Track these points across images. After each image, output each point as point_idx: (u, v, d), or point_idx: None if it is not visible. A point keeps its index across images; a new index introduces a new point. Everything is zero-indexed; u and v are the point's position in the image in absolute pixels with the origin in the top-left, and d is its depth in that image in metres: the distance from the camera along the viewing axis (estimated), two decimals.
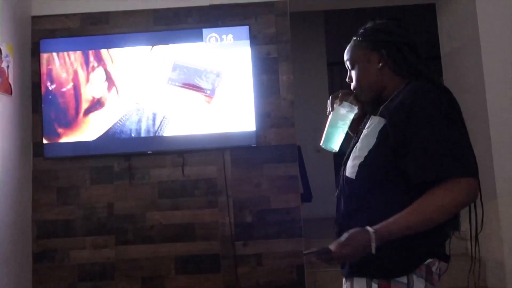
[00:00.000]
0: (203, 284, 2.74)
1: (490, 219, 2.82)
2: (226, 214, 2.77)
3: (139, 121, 2.73)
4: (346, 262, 1.10)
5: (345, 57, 1.25)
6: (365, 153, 1.11)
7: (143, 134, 2.74)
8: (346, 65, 1.26)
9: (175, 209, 2.79)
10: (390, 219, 1.01)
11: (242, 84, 2.74)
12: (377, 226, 1.01)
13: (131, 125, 2.74)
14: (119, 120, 2.74)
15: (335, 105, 1.25)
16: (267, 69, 2.87)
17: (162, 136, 2.74)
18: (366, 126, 1.17)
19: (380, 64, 1.17)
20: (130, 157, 2.81)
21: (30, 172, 2.82)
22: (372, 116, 1.18)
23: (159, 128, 2.73)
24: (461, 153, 1.02)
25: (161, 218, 2.79)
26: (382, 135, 1.09)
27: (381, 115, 1.11)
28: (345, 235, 1.02)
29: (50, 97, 2.76)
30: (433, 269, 1.09)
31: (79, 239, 2.78)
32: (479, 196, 1.11)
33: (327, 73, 4.92)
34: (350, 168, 1.16)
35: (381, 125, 1.09)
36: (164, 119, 2.73)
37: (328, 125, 1.24)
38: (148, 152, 2.76)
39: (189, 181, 2.81)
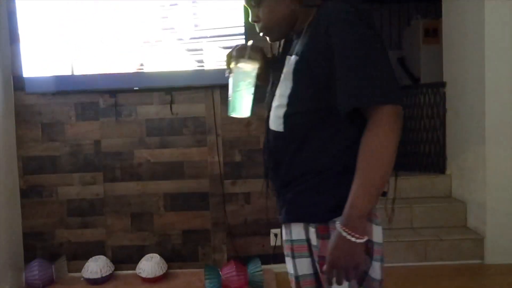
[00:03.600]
0: (192, 221, 2.79)
1: (477, 164, 2.86)
2: (215, 153, 2.75)
3: (124, 54, 2.61)
4: (351, 271, 0.93)
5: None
6: (286, 100, 1.00)
7: (129, 69, 2.62)
8: (248, 3, 1.08)
9: (163, 147, 2.76)
10: (349, 200, 0.91)
11: (233, 18, 2.59)
12: (343, 218, 0.91)
13: (116, 59, 2.61)
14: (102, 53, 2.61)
15: (231, 66, 1.09)
16: None
17: (149, 72, 2.63)
18: (282, 74, 1.04)
19: None
20: (116, 93, 2.73)
21: (12, 107, 2.72)
22: (287, 56, 1.05)
23: (146, 63, 2.62)
24: (382, 79, 0.89)
25: (149, 156, 2.76)
26: (297, 74, 0.97)
27: (296, 54, 0.98)
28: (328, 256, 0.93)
29: (28, 26, 2.59)
30: None
31: (67, 176, 2.77)
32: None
33: None
34: (275, 120, 1.04)
35: (293, 65, 0.98)
36: (150, 52, 2.60)
37: (231, 90, 1.07)
38: (135, 88, 2.67)
39: (178, 119, 2.75)
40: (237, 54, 1.10)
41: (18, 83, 2.68)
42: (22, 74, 2.63)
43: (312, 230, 1.02)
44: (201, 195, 2.78)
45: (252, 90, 1.09)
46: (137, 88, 2.67)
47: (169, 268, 2.72)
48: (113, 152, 2.77)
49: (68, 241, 2.79)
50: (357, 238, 0.90)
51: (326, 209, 1.00)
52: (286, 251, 1.14)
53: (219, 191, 2.76)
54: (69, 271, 2.76)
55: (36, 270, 2.57)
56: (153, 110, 2.75)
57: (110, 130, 2.76)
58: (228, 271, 2.50)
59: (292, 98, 1.00)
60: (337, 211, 0.95)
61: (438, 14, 3.66)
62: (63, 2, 2.59)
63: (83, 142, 2.76)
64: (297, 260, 1.09)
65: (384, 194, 1.03)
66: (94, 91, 2.70)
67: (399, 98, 0.89)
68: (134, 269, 2.69)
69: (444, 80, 3.33)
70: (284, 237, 1.15)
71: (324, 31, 0.92)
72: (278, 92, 1.05)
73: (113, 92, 2.72)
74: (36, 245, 2.79)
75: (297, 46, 1.01)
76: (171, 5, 2.59)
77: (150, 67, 2.62)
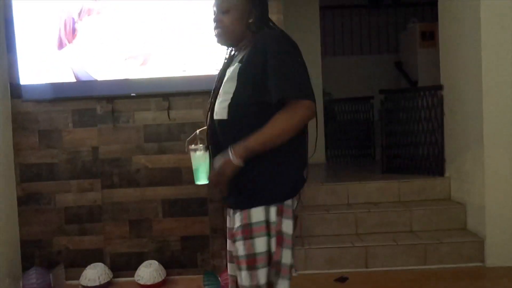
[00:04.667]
0: (190, 227, 2.78)
1: (475, 166, 2.86)
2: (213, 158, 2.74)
3: (122, 60, 2.61)
4: (224, 186, 1.27)
5: (215, 6, 1.36)
6: (230, 95, 1.28)
7: (126, 75, 2.62)
8: (217, 7, 1.35)
9: (161, 153, 2.75)
10: (250, 137, 1.21)
11: None
12: (237, 145, 1.22)
13: (113, 65, 2.61)
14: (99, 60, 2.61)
15: (191, 152, 1.45)
16: None
17: (146, 78, 2.62)
18: (226, 77, 1.34)
19: (251, 20, 1.34)
20: (113, 100, 2.72)
21: (9, 115, 2.72)
22: (228, 68, 1.37)
23: (144, 69, 2.61)
24: (302, 82, 1.24)
25: (147, 162, 2.76)
26: (241, 76, 1.27)
27: (239, 62, 1.30)
28: (215, 166, 1.25)
29: (25, 35, 2.59)
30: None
31: (64, 183, 2.76)
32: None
33: (320, 17, 4.74)
34: (220, 111, 1.31)
35: (237, 69, 1.28)
36: (149, 59, 2.60)
37: (194, 168, 1.48)
38: (132, 94, 2.67)
39: (175, 125, 2.75)
40: (191, 141, 1.51)
41: (15, 91, 2.68)
42: (19, 82, 2.63)
43: (273, 210, 1.28)
44: (199, 201, 2.77)
45: (207, 162, 1.45)
46: (134, 94, 2.67)
47: (168, 274, 2.70)
48: (110, 159, 2.76)
49: (66, 249, 2.78)
50: (235, 159, 1.22)
51: (282, 191, 1.30)
52: (237, 236, 1.31)
53: (218, 197, 2.75)
54: (67, 279, 2.74)
55: (34, 278, 2.55)
56: (150, 116, 2.75)
57: (108, 137, 2.75)
58: (227, 277, 2.48)
59: (236, 93, 1.28)
60: (288, 194, 1.31)
61: (434, 18, 3.67)
62: (60, 10, 2.59)
63: (80, 149, 2.75)
64: (256, 240, 1.28)
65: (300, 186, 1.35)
66: (91, 97, 2.69)
67: (314, 99, 1.25)
68: (132, 276, 2.67)
69: (441, 83, 3.33)
70: (232, 224, 1.36)
71: (262, 47, 1.26)
72: (222, 91, 1.33)
73: (110, 99, 2.71)
74: (34, 253, 2.77)
75: (239, 57, 1.34)
76: (167, 11, 2.59)
77: (148, 73, 2.62)
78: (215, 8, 1.36)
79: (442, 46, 3.35)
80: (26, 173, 2.75)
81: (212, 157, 1.40)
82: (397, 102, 3.71)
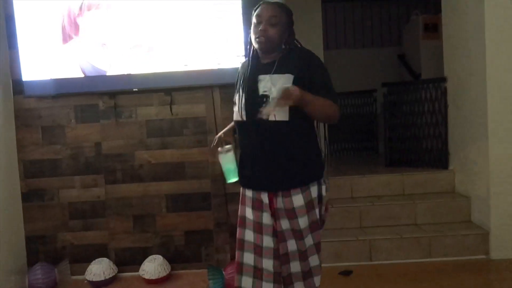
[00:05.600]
0: (194, 222, 2.78)
1: (480, 158, 2.84)
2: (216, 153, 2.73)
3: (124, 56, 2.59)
4: (291, 101, 1.44)
5: (271, 13, 1.56)
6: None
7: (128, 71, 2.61)
8: (265, 18, 1.55)
9: (164, 148, 2.75)
10: (309, 94, 1.48)
11: (232, 19, 2.58)
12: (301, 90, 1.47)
13: (116, 61, 2.60)
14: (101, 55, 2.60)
15: (221, 154, 1.67)
16: (258, 3, 2.70)
17: (148, 73, 2.61)
18: (269, 82, 1.54)
19: (288, 36, 1.61)
20: (116, 95, 2.72)
21: (12, 111, 2.72)
22: (269, 75, 1.56)
23: (148, 61, 2.60)
24: (335, 92, 1.58)
25: (150, 157, 2.76)
26: (296, 84, 1.48)
27: (290, 73, 1.54)
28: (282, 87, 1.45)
29: (26, 31, 2.58)
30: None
31: (68, 179, 2.76)
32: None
33: (322, 10, 4.70)
34: (280, 113, 1.51)
35: (292, 79, 1.52)
36: (150, 53, 2.59)
37: (226, 168, 1.67)
38: (134, 89, 2.66)
39: (178, 120, 2.74)
40: (218, 144, 1.71)
41: (17, 87, 2.68)
42: (21, 78, 2.62)
43: (323, 185, 1.63)
44: (203, 196, 2.77)
45: (235, 161, 1.67)
46: (136, 89, 2.66)
47: (172, 269, 2.71)
48: (113, 154, 2.76)
49: (71, 244, 2.79)
50: (296, 90, 1.45)
51: (322, 170, 1.65)
52: (300, 213, 1.59)
53: (221, 191, 2.75)
54: (72, 274, 2.75)
55: (39, 273, 2.57)
56: (153, 111, 2.74)
57: (111, 132, 2.75)
58: (232, 271, 2.48)
59: None
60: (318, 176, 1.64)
61: (437, 10, 3.64)
62: (61, 5, 2.58)
63: (83, 145, 2.75)
64: (316, 210, 1.61)
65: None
66: (93, 93, 2.69)
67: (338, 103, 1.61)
68: (137, 270, 2.68)
69: (445, 75, 3.31)
70: (290, 205, 1.58)
71: (307, 66, 1.56)
72: (274, 95, 1.49)
73: (112, 94, 2.71)
74: (39, 249, 2.78)
75: (281, 67, 1.56)
76: (169, 5, 2.58)
77: (149, 68, 2.61)
78: (260, 19, 1.56)
79: (445, 38, 3.32)
80: (30, 169, 2.76)
81: (249, 156, 1.63)
82: (400, 95, 3.68)
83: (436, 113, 3.40)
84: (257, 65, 1.62)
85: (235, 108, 1.64)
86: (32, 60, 2.61)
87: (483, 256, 2.75)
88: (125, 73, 2.61)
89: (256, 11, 1.59)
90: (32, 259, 2.75)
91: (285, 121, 1.54)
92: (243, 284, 1.64)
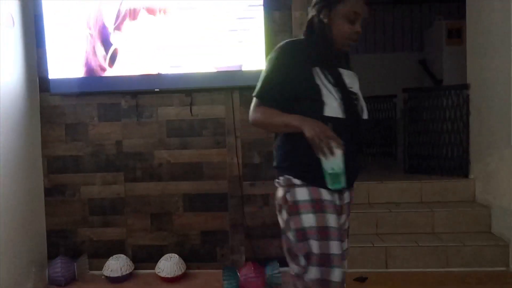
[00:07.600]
0: (210, 222, 2.80)
1: (502, 167, 2.79)
2: (234, 155, 2.76)
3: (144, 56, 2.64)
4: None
5: (362, 11, 1.45)
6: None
7: (150, 71, 2.66)
8: (361, 15, 1.44)
9: (183, 148, 2.79)
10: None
11: (253, 22, 2.60)
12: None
13: (138, 60, 2.65)
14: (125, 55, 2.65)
15: (335, 152, 1.29)
16: (279, 4, 2.72)
17: (170, 74, 2.66)
18: (349, 79, 1.45)
19: None
20: (137, 95, 2.77)
21: (38, 108, 2.80)
22: (346, 70, 1.46)
23: (167, 65, 2.65)
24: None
25: (169, 156, 2.80)
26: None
27: (348, 69, 1.48)
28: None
29: (53, 29, 2.66)
30: None
31: (89, 175, 2.82)
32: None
33: None
34: (365, 111, 1.49)
35: (356, 77, 1.51)
36: (170, 55, 2.63)
37: (338, 171, 1.31)
38: (156, 90, 2.71)
39: (197, 121, 2.78)
40: (331, 142, 1.30)
41: (43, 85, 2.76)
42: (47, 76, 2.70)
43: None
44: (220, 196, 2.79)
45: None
46: (158, 90, 2.71)
47: (187, 268, 2.74)
48: (134, 153, 2.81)
49: (90, 240, 2.85)
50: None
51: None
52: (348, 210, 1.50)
53: (238, 193, 2.77)
54: (90, 269, 2.82)
55: (59, 267, 2.63)
56: (173, 111, 2.78)
57: (131, 131, 2.80)
58: (246, 273, 2.50)
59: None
60: None
61: (460, 15, 3.58)
62: (88, 4, 2.64)
63: (105, 143, 2.81)
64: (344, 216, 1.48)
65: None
66: (116, 92, 2.75)
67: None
68: (153, 268, 2.72)
69: (468, 81, 3.25)
70: (343, 201, 1.47)
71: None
72: (355, 87, 1.49)
73: (134, 94, 2.76)
74: (59, 243, 2.85)
75: (342, 62, 1.48)
76: (190, 7, 2.61)
77: (171, 69, 2.65)
78: (357, 17, 1.43)
79: (469, 44, 3.26)
80: (53, 165, 2.83)
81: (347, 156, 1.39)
82: (421, 100, 3.64)
83: (457, 120, 3.34)
84: (336, 59, 1.45)
85: (330, 102, 1.36)
86: (59, 58, 2.68)
87: (503, 268, 2.69)
88: (147, 73, 2.66)
89: (353, 4, 1.40)
90: (52, 253, 2.83)
91: (367, 119, 1.54)
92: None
